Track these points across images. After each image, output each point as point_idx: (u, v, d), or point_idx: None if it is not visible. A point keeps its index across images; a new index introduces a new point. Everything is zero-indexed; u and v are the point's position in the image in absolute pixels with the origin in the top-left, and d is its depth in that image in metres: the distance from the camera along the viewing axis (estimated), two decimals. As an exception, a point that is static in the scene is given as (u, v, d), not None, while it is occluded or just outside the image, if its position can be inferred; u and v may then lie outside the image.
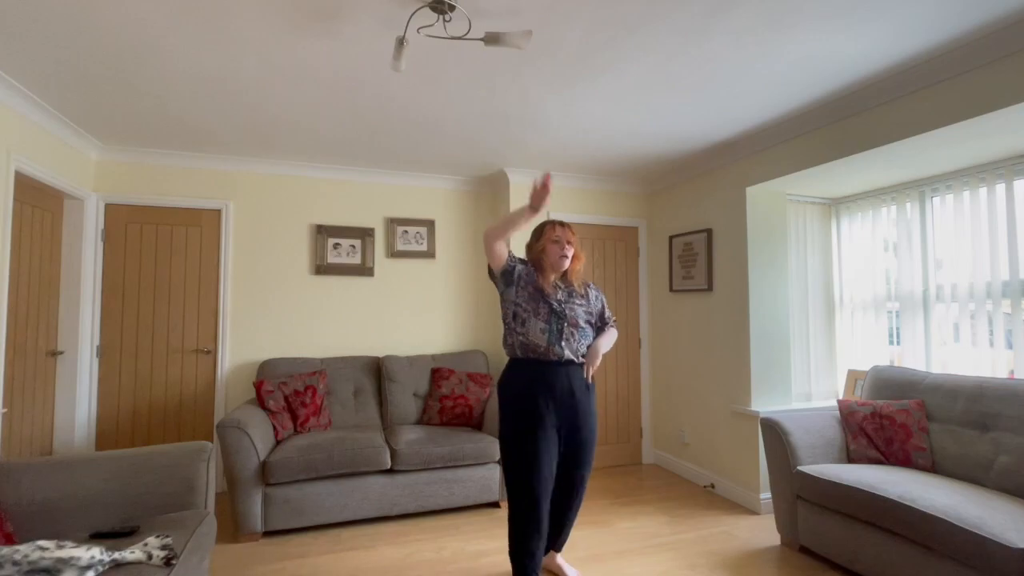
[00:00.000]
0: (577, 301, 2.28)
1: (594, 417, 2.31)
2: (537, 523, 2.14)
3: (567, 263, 2.27)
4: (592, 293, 2.38)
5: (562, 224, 2.31)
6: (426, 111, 2.85)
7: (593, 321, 2.35)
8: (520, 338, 2.21)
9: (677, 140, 3.32)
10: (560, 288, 2.29)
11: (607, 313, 2.43)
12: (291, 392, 3.26)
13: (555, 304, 2.22)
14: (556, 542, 2.43)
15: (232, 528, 2.91)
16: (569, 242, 2.27)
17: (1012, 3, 1.89)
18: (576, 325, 2.23)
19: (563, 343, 2.19)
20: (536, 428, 2.14)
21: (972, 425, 2.46)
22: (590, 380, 2.29)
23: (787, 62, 2.31)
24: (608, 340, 2.35)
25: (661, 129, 3.12)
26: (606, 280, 4.23)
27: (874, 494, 2.21)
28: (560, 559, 2.43)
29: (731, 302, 3.47)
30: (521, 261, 2.31)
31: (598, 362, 2.30)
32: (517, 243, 3.93)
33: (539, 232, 2.34)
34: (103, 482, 1.99)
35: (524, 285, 2.24)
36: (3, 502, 1.86)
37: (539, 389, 2.17)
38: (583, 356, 2.26)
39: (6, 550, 1.43)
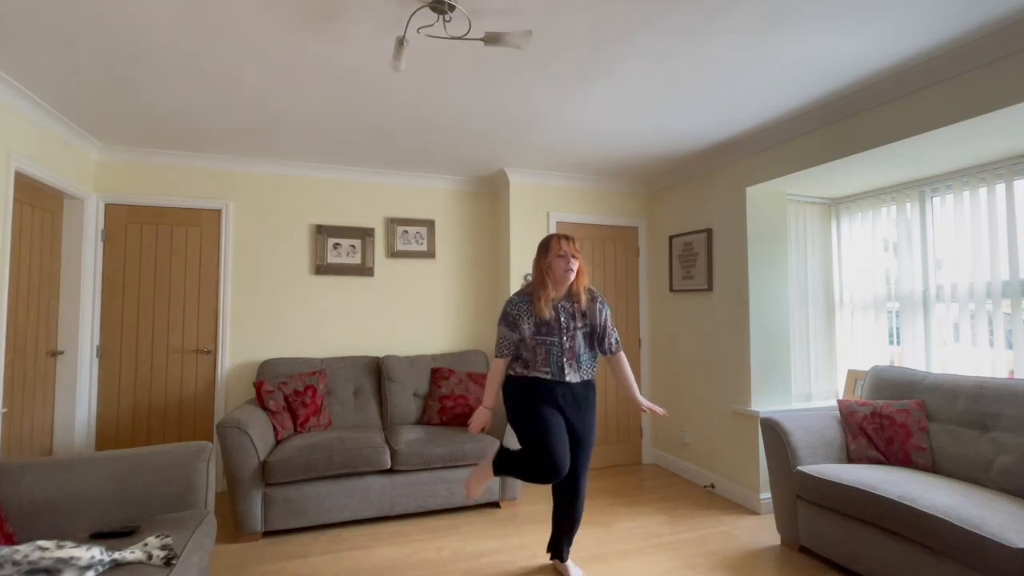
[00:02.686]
0: (578, 324, 2.31)
1: (594, 418, 2.38)
2: (552, 474, 2.18)
3: (572, 276, 2.29)
4: (596, 307, 2.35)
5: (567, 238, 2.32)
6: (426, 111, 2.85)
7: (593, 338, 2.35)
8: (524, 372, 2.32)
9: (677, 140, 3.32)
10: (563, 309, 2.31)
11: (610, 332, 2.37)
12: (291, 392, 3.26)
13: (551, 340, 2.28)
14: (562, 553, 2.46)
15: (232, 528, 2.91)
16: (574, 256, 2.30)
17: (1012, 3, 1.89)
18: (574, 356, 2.30)
19: (566, 377, 2.28)
20: (544, 404, 2.27)
21: (972, 425, 2.46)
22: (652, 408, 2.38)
23: (787, 62, 2.31)
24: (631, 377, 2.44)
25: (661, 129, 3.12)
26: (606, 280, 4.23)
27: (874, 494, 2.21)
28: (569, 564, 2.46)
29: (731, 302, 3.47)
30: (514, 307, 2.33)
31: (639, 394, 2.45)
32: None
33: (545, 247, 2.33)
34: (103, 482, 1.99)
35: (522, 341, 2.31)
36: (3, 502, 1.86)
37: (544, 392, 2.29)
38: (587, 374, 2.35)
39: (6, 550, 1.43)
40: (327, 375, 3.54)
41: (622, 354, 2.42)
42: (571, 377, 2.29)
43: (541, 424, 2.20)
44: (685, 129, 3.13)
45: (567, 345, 2.28)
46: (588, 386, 2.36)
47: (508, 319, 2.32)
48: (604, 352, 2.39)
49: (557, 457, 2.16)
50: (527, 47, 2.14)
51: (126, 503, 1.99)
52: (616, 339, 2.40)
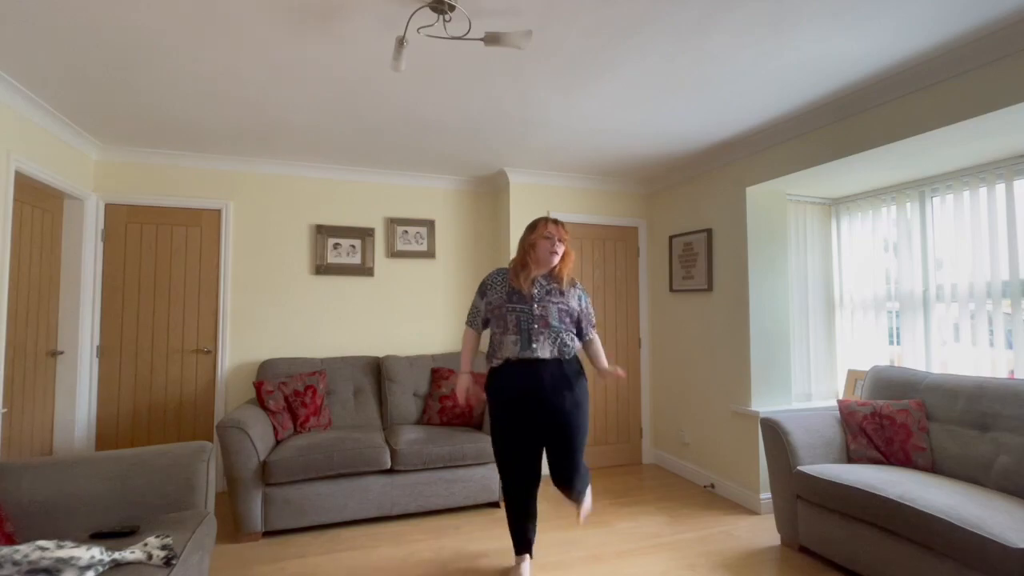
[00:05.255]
0: (553, 298, 2.29)
1: (576, 403, 2.25)
2: (522, 510, 2.37)
3: (556, 259, 2.30)
4: (575, 292, 2.37)
5: (556, 222, 2.32)
6: (426, 111, 2.85)
7: (570, 319, 2.31)
8: (496, 358, 2.32)
9: (677, 140, 3.32)
10: (540, 284, 2.30)
11: (590, 318, 2.41)
12: (291, 392, 3.26)
13: (522, 307, 2.25)
14: (571, 492, 2.32)
15: (232, 528, 2.91)
16: (561, 240, 2.29)
17: (1012, 3, 1.89)
18: (546, 325, 2.25)
19: (533, 345, 2.23)
20: (512, 426, 2.29)
21: (972, 425, 2.46)
22: (615, 373, 2.36)
23: (787, 62, 2.31)
24: (601, 354, 2.47)
25: (661, 129, 3.12)
26: (606, 280, 4.24)
27: (874, 494, 2.21)
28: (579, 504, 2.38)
29: (731, 302, 3.47)
30: (491, 276, 2.38)
31: (606, 364, 2.44)
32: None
33: (532, 226, 2.35)
34: (103, 482, 1.99)
35: (492, 310, 2.33)
36: (3, 502, 1.86)
37: (514, 389, 2.27)
38: (559, 352, 2.26)
39: (6, 550, 1.43)
40: (327, 375, 3.54)
41: (596, 337, 2.47)
42: (539, 348, 2.21)
43: (506, 460, 2.32)
44: (685, 129, 3.13)
45: (537, 312, 2.24)
46: (567, 367, 2.26)
47: (482, 288, 2.39)
48: (582, 338, 2.41)
49: (520, 491, 2.34)
50: (527, 47, 2.14)
51: (126, 503, 1.99)
52: (593, 325, 2.45)
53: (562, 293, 2.31)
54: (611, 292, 4.24)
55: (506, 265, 3.99)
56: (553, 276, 2.33)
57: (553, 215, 4.04)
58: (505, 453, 2.32)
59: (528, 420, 2.27)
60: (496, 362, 2.32)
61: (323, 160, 3.76)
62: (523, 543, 2.41)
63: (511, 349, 2.24)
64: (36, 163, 2.79)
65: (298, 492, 2.84)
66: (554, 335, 2.26)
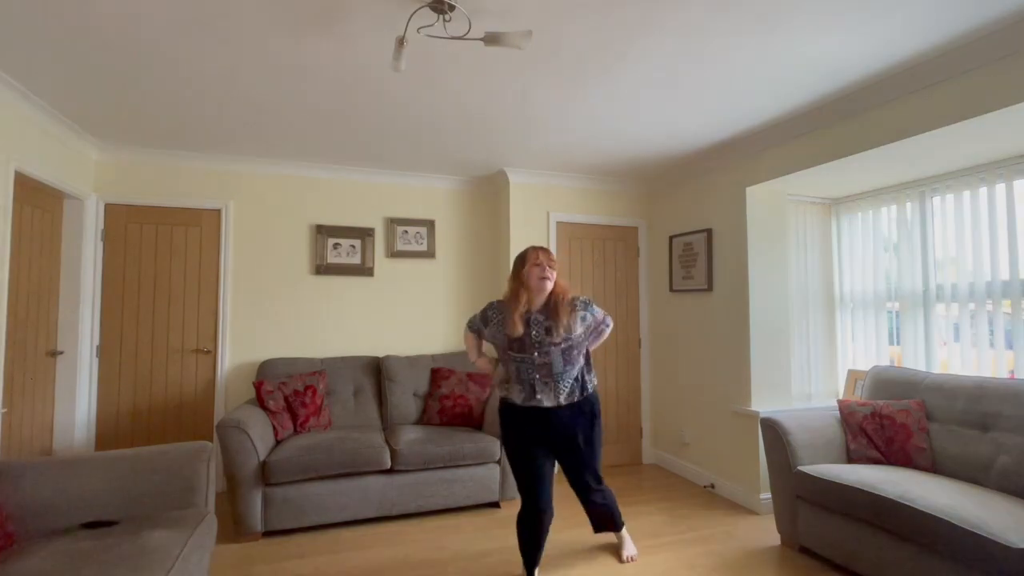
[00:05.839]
0: (555, 339, 2.20)
1: (585, 435, 2.31)
2: (532, 523, 2.32)
3: (549, 285, 2.24)
4: (577, 316, 2.25)
5: (544, 250, 2.32)
6: (426, 111, 2.85)
7: (577, 352, 2.27)
8: (507, 391, 2.34)
9: (677, 140, 3.32)
10: (537, 323, 2.23)
11: (598, 328, 2.37)
12: (291, 392, 3.26)
13: (522, 357, 2.23)
14: (605, 526, 2.57)
15: (232, 528, 2.91)
16: (550, 266, 2.26)
17: (1012, 3, 1.89)
18: (550, 374, 2.22)
19: (538, 396, 2.24)
20: (525, 440, 2.30)
21: (972, 425, 2.46)
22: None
23: (787, 62, 2.31)
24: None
25: (661, 129, 3.12)
26: (606, 280, 4.23)
27: (874, 494, 2.21)
28: (624, 532, 2.63)
29: (731, 302, 3.47)
30: (492, 308, 2.38)
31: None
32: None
33: (522, 258, 2.32)
34: (103, 482, 1.99)
35: (494, 343, 2.34)
36: (3, 502, 1.86)
37: (523, 430, 2.31)
38: (567, 397, 2.26)
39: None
40: (327, 375, 3.54)
41: (602, 339, 2.44)
42: (544, 399, 2.21)
43: (521, 469, 2.31)
44: (685, 129, 3.13)
45: (539, 361, 2.20)
46: (576, 410, 2.26)
47: (485, 316, 2.38)
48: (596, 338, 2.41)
49: (538, 506, 2.29)
50: (527, 47, 2.14)
51: (126, 503, 1.99)
52: (605, 319, 2.38)
53: (567, 328, 2.22)
54: (611, 292, 4.24)
55: (504, 271, 4.02)
56: (549, 308, 2.24)
57: (553, 216, 4.05)
58: (519, 472, 2.33)
59: (539, 447, 2.31)
60: (506, 393, 2.33)
61: (323, 160, 3.76)
62: (533, 561, 2.37)
63: (518, 396, 2.28)
64: (36, 163, 2.79)
65: (298, 492, 2.84)
66: (560, 381, 2.23)
